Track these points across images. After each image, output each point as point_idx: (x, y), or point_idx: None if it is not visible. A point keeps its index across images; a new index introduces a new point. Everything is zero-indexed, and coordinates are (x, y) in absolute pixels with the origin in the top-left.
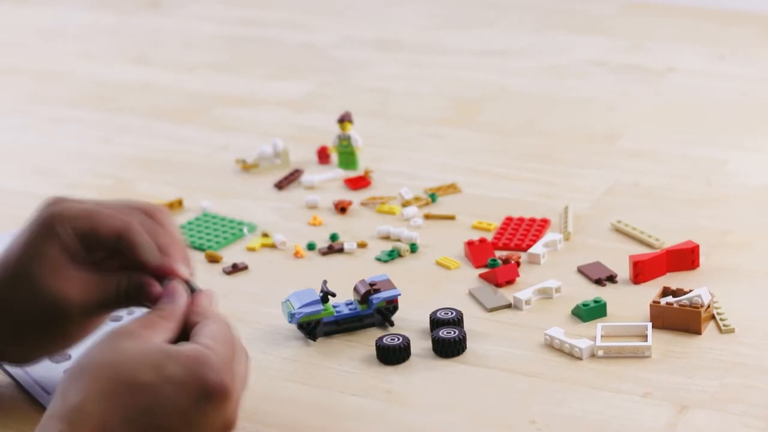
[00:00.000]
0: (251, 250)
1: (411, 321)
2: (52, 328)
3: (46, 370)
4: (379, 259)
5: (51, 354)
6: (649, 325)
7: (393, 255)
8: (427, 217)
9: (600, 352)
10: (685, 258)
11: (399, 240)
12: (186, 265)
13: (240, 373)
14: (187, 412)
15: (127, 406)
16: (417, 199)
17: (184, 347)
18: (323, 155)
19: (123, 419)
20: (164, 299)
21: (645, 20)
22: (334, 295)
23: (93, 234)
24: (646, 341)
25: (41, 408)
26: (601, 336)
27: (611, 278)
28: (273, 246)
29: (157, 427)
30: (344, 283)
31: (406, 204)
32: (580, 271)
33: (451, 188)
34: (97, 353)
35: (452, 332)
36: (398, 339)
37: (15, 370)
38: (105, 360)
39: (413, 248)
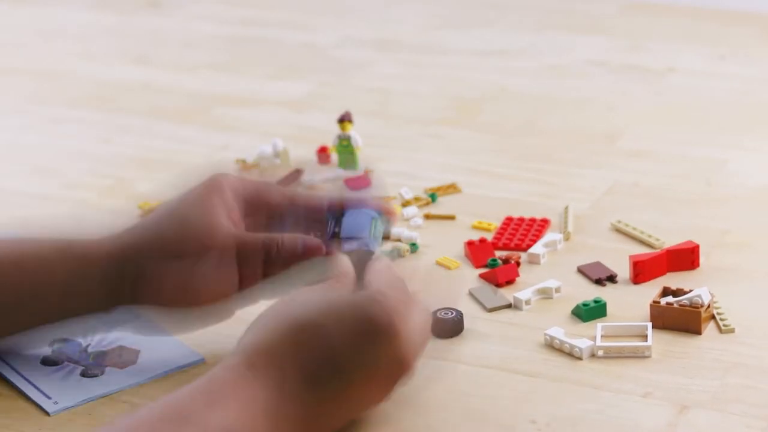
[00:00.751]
0: None
1: None
2: (205, 260)
3: (42, 374)
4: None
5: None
6: (649, 325)
7: (393, 255)
8: (427, 217)
9: (600, 352)
10: (685, 258)
11: (399, 240)
12: None
13: (415, 319)
14: (357, 350)
15: (298, 343)
16: (417, 199)
17: (358, 294)
18: (323, 155)
19: (294, 354)
20: (331, 263)
21: (645, 20)
22: None
23: (257, 200)
24: (646, 341)
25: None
26: (601, 336)
27: (611, 278)
28: None
29: (328, 365)
30: None
31: (406, 204)
32: (581, 271)
33: (451, 188)
34: (276, 303)
35: (449, 312)
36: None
37: (13, 376)
38: (282, 306)
39: (414, 248)
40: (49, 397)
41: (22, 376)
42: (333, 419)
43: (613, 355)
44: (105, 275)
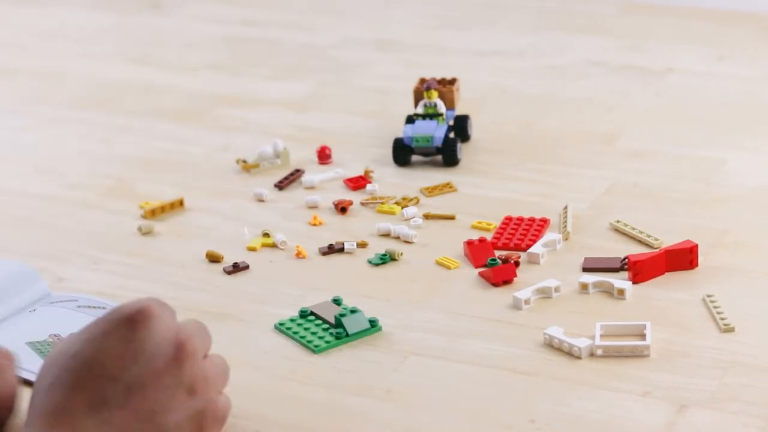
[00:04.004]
0: (251, 249)
1: (410, 321)
2: None
3: None
4: (370, 262)
5: None
6: (648, 324)
7: (385, 259)
8: (427, 216)
9: (599, 352)
10: (684, 258)
11: (398, 238)
12: None
13: (167, 313)
14: (124, 349)
15: (75, 383)
16: (405, 198)
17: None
18: (323, 155)
19: (80, 396)
20: None
21: (644, 20)
22: None
23: None
24: (645, 340)
25: None
26: (600, 335)
27: (622, 263)
28: (273, 246)
29: (109, 381)
30: (344, 283)
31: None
32: (587, 268)
33: (447, 187)
34: (46, 360)
35: None
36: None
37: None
38: (50, 360)
39: (385, 259)
40: None
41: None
42: None
43: (612, 354)
44: None
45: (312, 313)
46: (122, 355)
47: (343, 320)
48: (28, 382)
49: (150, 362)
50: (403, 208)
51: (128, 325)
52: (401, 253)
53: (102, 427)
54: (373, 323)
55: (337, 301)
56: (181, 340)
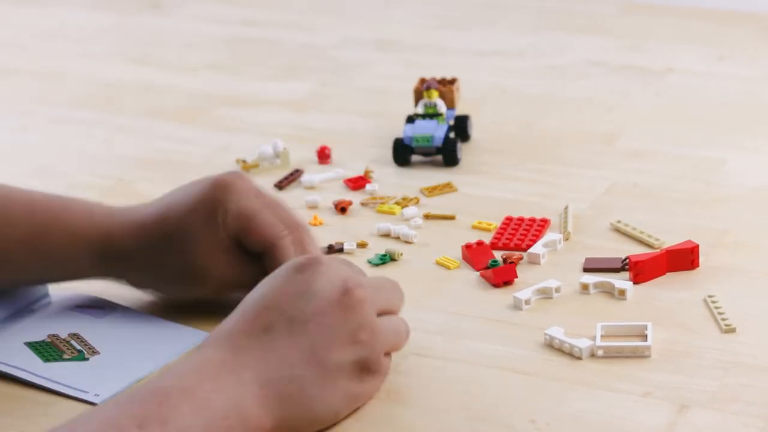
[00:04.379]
0: None
1: (410, 321)
2: (191, 287)
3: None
4: (370, 263)
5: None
6: (649, 324)
7: (385, 259)
8: (427, 217)
9: (600, 352)
10: (685, 258)
11: (398, 238)
12: None
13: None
14: (286, 289)
15: (240, 306)
16: (405, 198)
17: None
18: (323, 155)
19: (240, 316)
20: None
21: (644, 20)
22: None
23: (245, 236)
24: (646, 341)
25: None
26: (601, 336)
27: (623, 263)
28: None
29: (280, 316)
30: None
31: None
32: (588, 268)
33: (447, 187)
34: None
35: None
36: None
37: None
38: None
39: (384, 259)
40: (86, 391)
41: (40, 376)
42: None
43: (612, 354)
44: (97, 252)
45: None
46: (289, 292)
47: None
48: (25, 382)
49: (314, 300)
50: (403, 208)
51: (298, 269)
52: (401, 254)
53: (263, 349)
54: None
55: None
56: (349, 287)
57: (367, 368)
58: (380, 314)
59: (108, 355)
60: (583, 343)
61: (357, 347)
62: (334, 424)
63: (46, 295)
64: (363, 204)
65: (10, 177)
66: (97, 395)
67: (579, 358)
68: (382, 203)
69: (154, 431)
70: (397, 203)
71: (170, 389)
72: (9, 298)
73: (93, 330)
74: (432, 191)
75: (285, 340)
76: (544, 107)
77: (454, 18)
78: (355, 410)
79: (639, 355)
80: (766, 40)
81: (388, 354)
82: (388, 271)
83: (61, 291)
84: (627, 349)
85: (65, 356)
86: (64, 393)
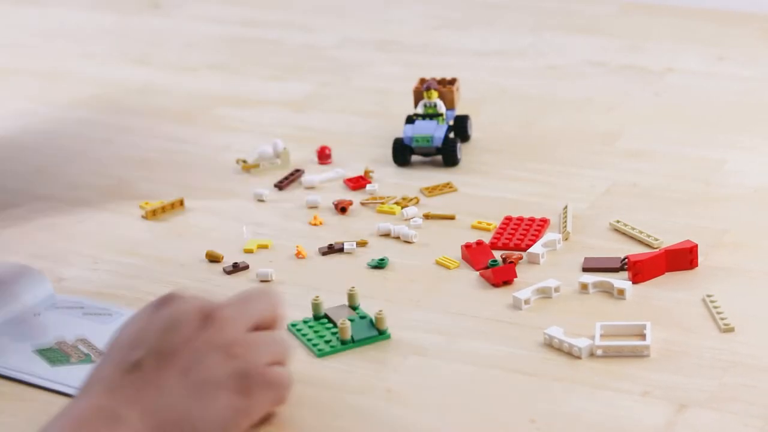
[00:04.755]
0: (248, 252)
1: (410, 321)
2: None
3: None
4: (369, 265)
5: None
6: (648, 324)
7: (383, 263)
8: (427, 216)
9: (599, 352)
10: (684, 258)
11: (398, 238)
12: None
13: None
14: (148, 325)
15: (107, 347)
16: (405, 198)
17: None
18: (323, 155)
19: (107, 358)
20: None
21: (644, 20)
22: None
23: None
24: (645, 340)
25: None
26: (600, 335)
27: (622, 263)
28: (267, 247)
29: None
30: (344, 283)
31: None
32: (587, 268)
33: (447, 187)
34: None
35: None
36: None
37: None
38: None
39: (382, 263)
40: None
41: (48, 379)
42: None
43: (612, 354)
44: None
45: (326, 316)
46: (152, 328)
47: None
48: (33, 385)
49: (179, 330)
50: (403, 208)
51: (157, 306)
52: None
53: (135, 386)
54: (383, 332)
55: (354, 307)
56: (209, 310)
57: (248, 381)
58: (256, 329)
59: None
60: (582, 343)
61: (231, 361)
62: None
63: (52, 295)
64: (363, 204)
65: (10, 177)
66: None
67: (578, 358)
68: (382, 203)
69: None
70: (397, 203)
71: None
72: (13, 300)
73: (99, 334)
74: (432, 191)
75: (157, 373)
76: (544, 107)
77: (454, 18)
78: (355, 410)
79: (638, 354)
80: (766, 40)
81: (275, 364)
82: (388, 271)
83: (67, 293)
84: (626, 349)
85: (72, 359)
86: (69, 394)
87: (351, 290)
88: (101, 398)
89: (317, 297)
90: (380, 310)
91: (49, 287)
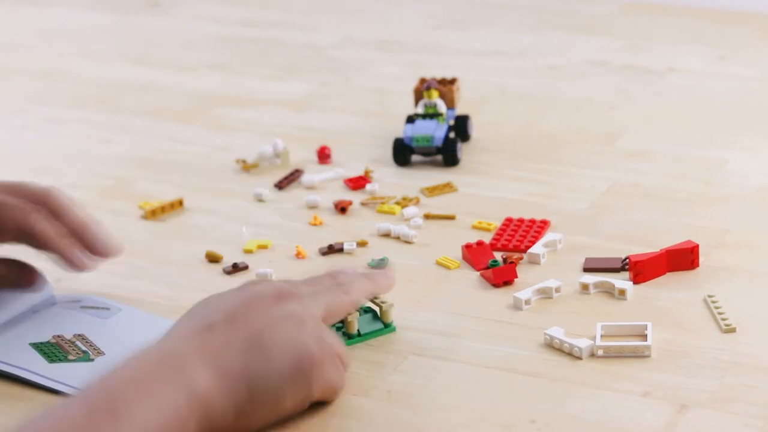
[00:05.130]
0: (248, 252)
1: (410, 321)
2: None
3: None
4: (369, 265)
5: None
6: (649, 324)
7: (383, 263)
8: (427, 216)
9: (600, 352)
10: (685, 258)
11: (399, 238)
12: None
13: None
14: (224, 296)
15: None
16: (405, 198)
17: None
18: (323, 155)
19: (184, 318)
20: None
21: (645, 20)
22: None
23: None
24: (646, 341)
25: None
26: (601, 336)
27: (623, 263)
28: (267, 247)
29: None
30: None
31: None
32: (588, 268)
33: (447, 187)
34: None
35: None
36: None
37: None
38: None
39: (382, 262)
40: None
41: (44, 376)
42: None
43: (612, 354)
44: None
45: None
46: (228, 300)
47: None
48: (29, 383)
49: (253, 298)
50: (403, 208)
51: (237, 288)
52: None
53: (205, 339)
54: (388, 324)
55: None
56: (284, 287)
57: (314, 358)
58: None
59: (113, 355)
60: (582, 343)
61: (301, 335)
62: (284, 406)
63: (51, 296)
64: (363, 204)
65: (10, 177)
66: None
67: (579, 358)
68: (382, 203)
69: (104, 423)
70: (397, 203)
71: (118, 385)
72: (13, 299)
73: (98, 331)
74: (432, 191)
75: (227, 330)
76: (544, 107)
77: (454, 18)
78: (355, 410)
79: (639, 354)
80: (767, 40)
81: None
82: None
83: (65, 292)
84: (627, 349)
85: (70, 357)
86: (67, 393)
87: None
88: (169, 347)
89: None
90: (384, 302)
91: (49, 288)
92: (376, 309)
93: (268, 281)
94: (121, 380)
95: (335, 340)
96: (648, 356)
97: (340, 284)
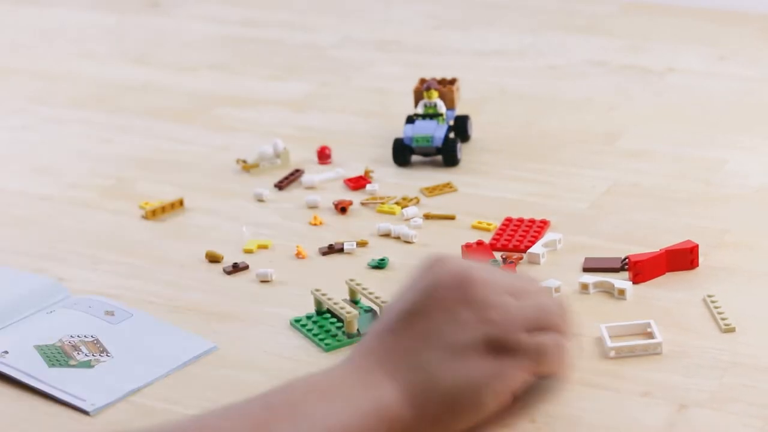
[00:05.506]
0: (248, 252)
1: None
2: None
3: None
4: (369, 265)
5: None
6: (652, 321)
7: (384, 263)
8: (427, 217)
9: (612, 353)
10: (685, 258)
11: (399, 238)
12: None
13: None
14: (405, 289)
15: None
16: (405, 198)
17: None
18: (323, 155)
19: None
20: None
21: (645, 20)
22: None
23: None
24: (653, 339)
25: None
26: (609, 336)
27: (623, 263)
28: (267, 247)
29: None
30: (344, 284)
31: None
32: (588, 268)
33: (447, 187)
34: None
35: None
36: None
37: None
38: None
39: (383, 263)
40: (83, 399)
41: (41, 380)
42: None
43: (625, 354)
44: None
45: (329, 311)
46: (409, 294)
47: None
48: (26, 386)
49: (434, 293)
50: (403, 208)
51: (422, 270)
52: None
53: (386, 347)
54: None
55: (356, 301)
56: (467, 274)
57: (500, 346)
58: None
59: (118, 361)
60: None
61: (484, 325)
62: (482, 411)
63: (66, 297)
64: (363, 204)
65: (10, 177)
66: (93, 405)
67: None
68: (382, 203)
69: (283, 418)
70: (397, 203)
71: (300, 387)
72: (28, 298)
73: (108, 335)
74: (432, 191)
75: (406, 334)
76: (544, 107)
77: (454, 18)
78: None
79: (651, 352)
80: (767, 40)
81: (538, 331)
82: (387, 271)
83: (80, 294)
84: (639, 348)
85: (71, 362)
86: (62, 399)
87: (351, 283)
88: (356, 360)
89: (318, 290)
90: (386, 301)
91: (64, 288)
92: (377, 309)
93: (446, 261)
94: (304, 384)
95: (525, 314)
96: (660, 353)
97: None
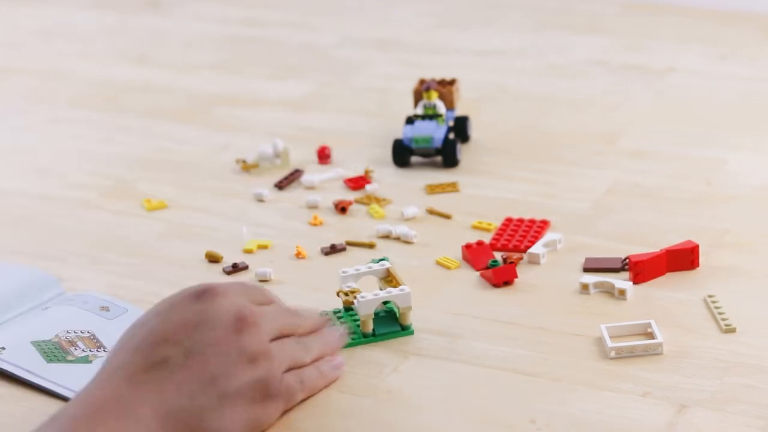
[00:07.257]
0: (248, 252)
1: (410, 321)
2: None
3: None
4: (371, 262)
5: None
6: (653, 322)
7: (384, 263)
8: (430, 212)
9: (612, 354)
10: (685, 258)
11: (399, 238)
12: None
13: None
14: (181, 320)
15: (135, 338)
16: (384, 200)
17: None
18: (323, 155)
19: (134, 350)
20: None
21: (645, 20)
22: None
23: None
24: (653, 339)
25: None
26: (609, 337)
27: (623, 263)
28: (267, 247)
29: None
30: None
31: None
32: (588, 268)
33: (450, 187)
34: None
35: None
36: None
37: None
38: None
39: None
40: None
41: (40, 376)
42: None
43: (625, 355)
44: None
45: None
46: (184, 324)
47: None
48: (24, 382)
49: (210, 331)
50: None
51: (192, 299)
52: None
53: (160, 383)
54: (406, 327)
55: (384, 302)
56: (243, 314)
57: (265, 391)
58: (281, 337)
59: None
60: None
61: (255, 369)
62: None
63: (61, 293)
64: (357, 201)
65: (10, 177)
66: None
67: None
68: (376, 202)
69: None
70: (377, 203)
71: (69, 418)
72: (24, 295)
73: (104, 330)
74: (434, 189)
75: (183, 372)
76: (544, 107)
77: (454, 18)
78: (355, 410)
79: (651, 353)
80: (767, 40)
81: (290, 371)
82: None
83: (75, 291)
84: (639, 348)
85: (69, 357)
86: (60, 394)
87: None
88: (121, 388)
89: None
90: (407, 306)
91: (59, 285)
92: (396, 310)
93: (222, 295)
94: (69, 416)
95: (288, 356)
96: (660, 353)
97: (301, 342)
